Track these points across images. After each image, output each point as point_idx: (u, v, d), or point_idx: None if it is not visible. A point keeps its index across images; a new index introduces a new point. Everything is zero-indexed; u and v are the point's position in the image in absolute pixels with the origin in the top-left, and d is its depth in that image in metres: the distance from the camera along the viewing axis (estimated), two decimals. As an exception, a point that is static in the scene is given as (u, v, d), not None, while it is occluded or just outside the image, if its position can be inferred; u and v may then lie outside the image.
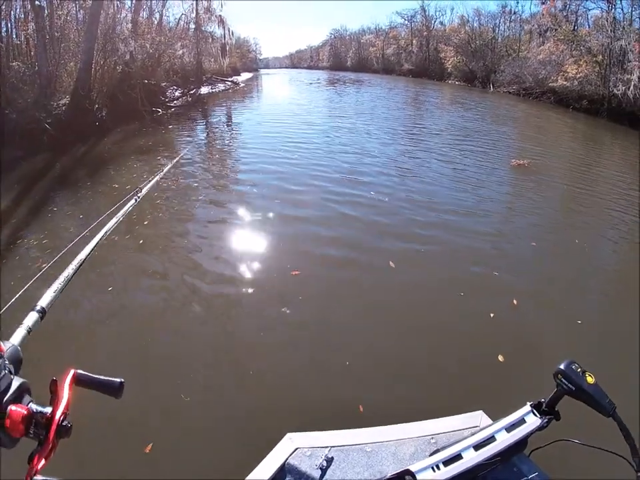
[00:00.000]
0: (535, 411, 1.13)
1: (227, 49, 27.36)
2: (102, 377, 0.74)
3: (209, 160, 9.15)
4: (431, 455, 1.15)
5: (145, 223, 5.33)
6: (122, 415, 2.54)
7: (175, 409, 2.75)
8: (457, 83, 37.47)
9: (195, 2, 22.94)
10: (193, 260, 4.69)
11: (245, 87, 30.81)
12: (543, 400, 1.14)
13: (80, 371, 0.73)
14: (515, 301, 4.07)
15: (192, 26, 23.82)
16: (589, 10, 26.22)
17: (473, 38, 37.59)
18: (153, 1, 20.22)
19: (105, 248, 4.11)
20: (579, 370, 1.07)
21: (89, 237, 1.42)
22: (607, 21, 22.49)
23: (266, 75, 51.12)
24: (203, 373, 3.08)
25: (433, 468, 1.06)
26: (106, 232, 1.52)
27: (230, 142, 11.76)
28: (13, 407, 0.63)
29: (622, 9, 22.18)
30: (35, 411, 0.65)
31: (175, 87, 20.06)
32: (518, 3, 37.64)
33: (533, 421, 1.11)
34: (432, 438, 1.40)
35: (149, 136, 11.72)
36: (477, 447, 1.09)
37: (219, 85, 27.02)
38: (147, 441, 2.50)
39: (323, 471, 1.29)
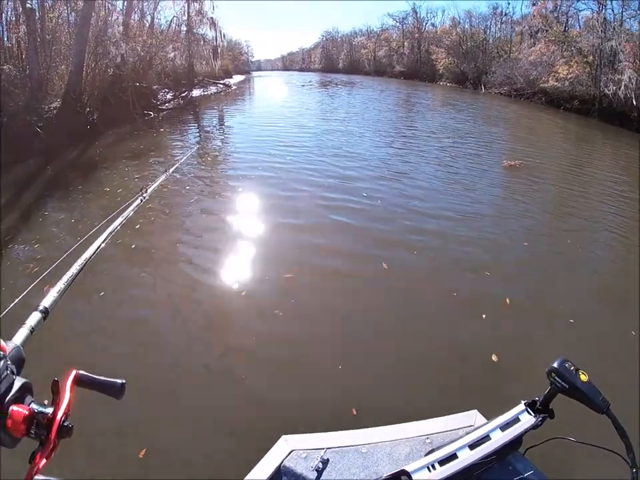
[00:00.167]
0: (529, 409, 1.14)
1: (219, 51, 27.35)
2: (103, 378, 0.74)
3: (199, 165, 9.03)
4: (427, 454, 1.16)
5: (137, 226, 5.29)
6: (115, 419, 2.52)
7: (168, 413, 2.74)
8: (448, 84, 37.65)
9: (186, 4, 22.93)
10: (184, 265, 4.66)
11: (237, 90, 30.75)
12: (537, 398, 1.15)
13: (81, 372, 0.73)
14: (507, 301, 4.09)
15: (183, 28, 23.81)
16: (580, 11, 26.47)
17: (464, 39, 37.81)
18: (145, 3, 20.19)
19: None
20: (572, 368, 1.08)
21: (84, 238, 1.41)
22: (598, 22, 22.68)
23: (258, 77, 51.02)
24: (196, 377, 3.07)
25: (428, 468, 1.07)
26: (111, 232, 1.52)
27: (221, 146, 11.67)
28: (14, 407, 0.63)
29: (612, 10, 22.41)
30: (36, 411, 0.64)
31: (167, 90, 19.99)
32: (509, 4, 37.95)
33: (528, 420, 1.12)
34: (427, 438, 1.40)
35: (141, 139, 11.65)
36: (472, 446, 1.10)
37: (211, 87, 26.95)
38: (140, 445, 2.48)
39: (319, 472, 1.29)
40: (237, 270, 4.55)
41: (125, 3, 17.59)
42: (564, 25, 27.55)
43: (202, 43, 25.22)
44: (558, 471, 2.13)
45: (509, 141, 13.17)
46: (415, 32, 44.98)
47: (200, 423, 2.69)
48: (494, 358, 3.29)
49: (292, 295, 4.05)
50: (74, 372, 0.73)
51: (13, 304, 1.01)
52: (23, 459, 0.64)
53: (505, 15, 35.82)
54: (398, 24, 48.57)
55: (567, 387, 1.06)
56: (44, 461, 0.62)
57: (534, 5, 30.11)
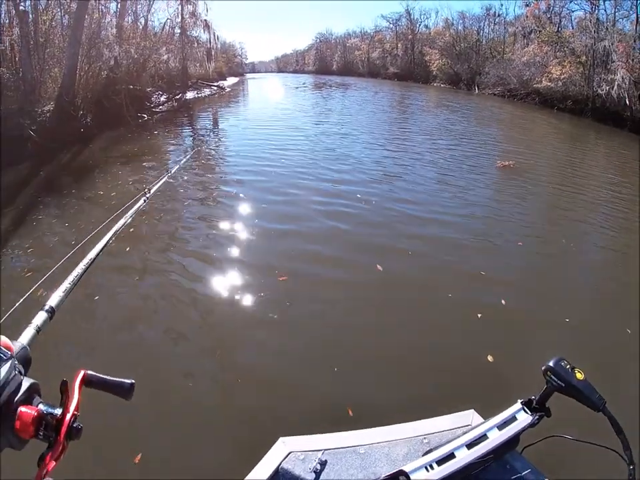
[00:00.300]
0: (525, 408, 1.15)
1: (213, 53, 27.31)
2: (112, 378, 0.73)
3: (191, 168, 8.78)
4: (424, 454, 1.16)
5: (131, 229, 5.26)
6: (109, 423, 2.51)
7: (163, 417, 2.72)
8: (442, 85, 37.85)
9: (180, 6, 22.89)
10: (176, 269, 4.63)
11: (231, 92, 30.73)
12: (533, 397, 1.15)
13: (90, 372, 0.72)
14: (503, 301, 4.10)
15: (177, 31, 23.74)
16: (573, 11, 26.77)
17: (457, 41, 38.04)
18: (138, 6, 20.13)
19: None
20: (567, 366, 1.08)
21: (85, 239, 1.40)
22: (591, 22, 22.91)
23: (252, 79, 51.02)
24: (192, 380, 3.06)
25: (426, 468, 1.07)
26: (116, 231, 1.51)
27: (215, 149, 11.54)
28: (22, 408, 0.61)
29: (605, 10, 22.69)
30: (45, 412, 0.63)
31: (161, 92, 19.93)
32: (502, 5, 38.31)
33: (524, 418, 1.12)
34: (424, 438, 1.40)
35: (134, 142, 11.61)
36: (470, 445, 1.10)
37: (205, 89, 26.90)
38: (135, 450, 2.46)
39: (317, 474, 1.28)
40: (228, 275, 4.51)
41: (119, 6, 17.54)
42: (557, 25, 27.79)
43: (196, 45, 25.15)
44: (555, 469, 2.14)
45: (502, 141, 13.22)
46: (409, 33, 45.22)
47: (196, 426, 2.68)
48: (489, 358, 3.30)
49: (287, 298, 4.04)
50: (82, 372, 0.72)
51: (12, 309, 1.00)
52: (31, 461, 0.62)
53: (498, 16, 36.16)
54: (391, 25, 48.87)
55: (563, 385, 1.07)
56: (53, 463, 0.61)
57: (527, 5, 30.42)
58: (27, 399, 0.63)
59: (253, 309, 3.95)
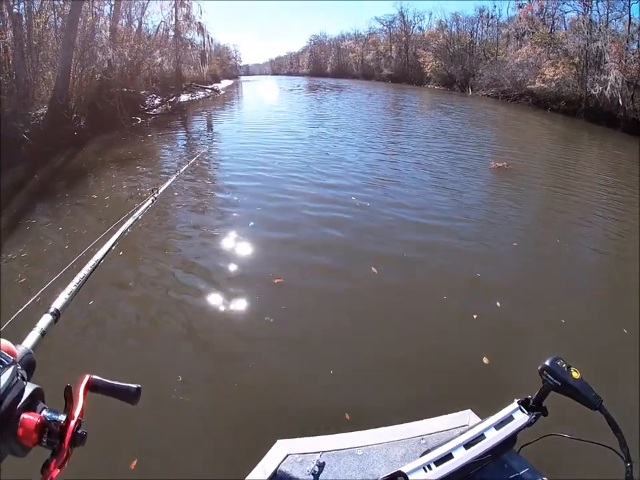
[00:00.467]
0: (522, 407, 1.15)
1: (207, 56, 27.29)
2: (118, 383, 0.72)
3: (185, 173, 8.66)
4: (422, 455, 1.16)
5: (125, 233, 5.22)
6: (103, 427, 2.49)
7: (160, 421, 2.71)
8: (435, 87, 37.99)
9: (174, 9, 22.87)
10: (171, 276, 4.61)
11: (225, 95, 30.71)
12: (530, 396, 1.16)
13: (95, 377, 0.71)
14: (498, 303, 4.11)
15: (171, 33, 23.73)
16: (566, 12, 26.90)
17: (451, 42, 38.20)
18: (132, 8, 20.10)
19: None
20: (564, 366, 1.09)
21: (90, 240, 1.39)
22: (584, 23, 23.07)
23: (246, 81, 51.04)
24: (189, 384, 3.05)
25: (424, 468, 1.07)
26: (123, 232, 1.50)
27: (208, 153, 11.37)
28: (25, 415, 0.60)
29: (598, 11, 22.84)
30: (48, 419, 0.61)
31: (154, 95, 19.88)
32: (495, 7, 38.57)
33: (521, 418, 1.13)
34: (422, 439, 1.41)
35: (128, 145, 11.55)
36: (467, 445, 1.10)
37: (199, 92, 26.89)
38: (131, 456, 2.44)
39: (315, 476, 1.28)
40: (223, 280, 4.48)
41: (113, 8, 17.51)
42: (550, 26, 27.95)
43: (190, 47, 25.14)
44: (552, 468, 2.13)
45: (496, 142, 13.26)
46: (403, 35, 45.37)
47: (193, 430, 2.67)
48: (485, 360, 3.31)
49: (282, 302, 4.03)
50: (87, 377, 0.70)
51: (16, 314, 0.99)
52: (34, 467, 0.61)
53: (492, 17, 36.35)
54: (385, 28, 49.03)
55: (560, 384, 1.07)
56: (57, 470, 0.59)
57: (520, 7, 30.58)
58: (30, 405, 0.62)
59: (249, 312, 3.93)
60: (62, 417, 0.62)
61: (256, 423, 2.69)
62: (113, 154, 10.32)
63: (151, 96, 19.48)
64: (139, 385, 0.71)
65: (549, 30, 27.69)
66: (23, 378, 0.63)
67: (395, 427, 1.47)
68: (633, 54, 20.16)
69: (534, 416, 1.12)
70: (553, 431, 1.18)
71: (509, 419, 1.14)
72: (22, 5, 11.84)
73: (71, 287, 1.07)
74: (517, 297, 4.31)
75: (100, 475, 2.33)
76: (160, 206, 6.39)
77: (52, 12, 13.57)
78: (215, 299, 4.13)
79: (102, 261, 1.27)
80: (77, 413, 0.63)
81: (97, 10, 15.49)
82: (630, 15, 21.35)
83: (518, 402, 1.17)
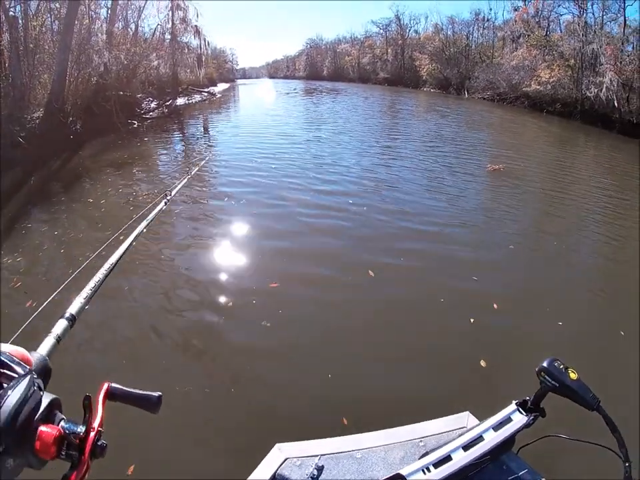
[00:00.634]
0: (520, 409, 1.15)
1: (203, 59, 27.30)
2: (138, 391, 0.69)
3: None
4: (421, 457, 1.16)
5: (121, 237, 5.18)
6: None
7: (158, 426, 2.69)
8: (432, 90, 38.08)
9: (170, 12, 22.89)
10: (167, 286, 4.58)
11: (222, 98, 30.69)
12: (527, 398, 1.16)
13: (114, 385, 0.68)
14: (495, 306, 4.11)
15: (168, 36, 23.74)
16: (561, 15, 27.06)
17: (447, 45, 38.32)
18: (129, 12, 20.12)
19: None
20: (561, 367, 1.09)
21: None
22: (579, 26, 23.23)
23: (243, 85, 50.97)
24: (185, 389, 3.03)
25: (423, 470, 1.07)
26: (137, 235, 1.49)
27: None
28: (43, 428, 0.56)
29: (593, 14, 23.04)
30: (67, 431, 0.58)
31: (151, 99, 19.87)
32: (491, 10, 38.67)
33: (519, 419, 1.13)
34: (421, 441, 1.40)
35: (124, 149, 11.52)
36: (466, 447, 1.10)
37: (195, 95, 26.87)
38: (129, 461, 2.42)
39: (314, 479, 1.28)
40: (219, 286, 4.47)
41: (109, 11, 17.53)
42: (545, 29, 28.13)
43: (186, 51, 25.17)
44: (551, 469, 2.15)
45: (493, 145, 13.31)
46: (399, 39, 45.49)
47: (191, 435, 2.66)
48: (482, 363, 3.31)
49: (279, 307, 4.00)
50: (106, 384, 0.67)
51: (28, 321, 0.98)
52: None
53: (487, 20, 36.45)
54: (381, 31, 49.15)
55: (557, 385, 1.07)
56: None
57: (515, 10, 30.71)
58: (48, 417, 0.58)
59: (245, 317, 3.92)
60: (81, 429, 0.59)
61: (253, 427, 2.68)
62: (109, 158, 10.29)
63: (147, 99, 19.47)
64: (160, 393, 0.69)
65: (545, 32, 27.85)
66: (39, 387, 0.59)
67: (394, 429, 1.47)
68: (628, 56, 20.33)
69: (532, 417, 1.12)
70: (551, 432, 1.18)
71: (507, 420, 1.14)
72: (18, 8, 11.86)
73: (87, 291, 1.05)
74: (513, 300, 4.31)
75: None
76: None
77: (48, 15, 13.59)
78: (211, 303, 4.12)
79: (117, 263, 1.26)
80: (96, 424, 0.61)
81: (93, 13, 15.53)
82: (625, 17, 21.54)
83: (516, 403, 1.17)
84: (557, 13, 27.33)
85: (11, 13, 11.39)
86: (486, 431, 1.13)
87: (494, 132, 16.50)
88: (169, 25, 23.26)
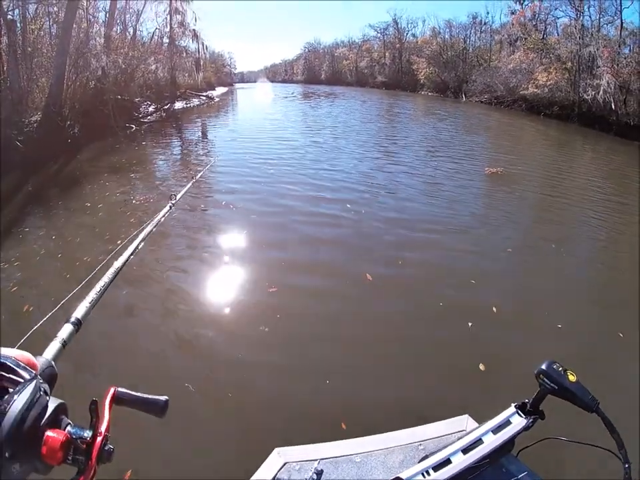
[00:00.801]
0: (519, 411, 1.15)
1: (201, 63, 27.33)
2: (145, 395, 0.68)
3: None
4: (420, 461, 1.15)
5: (118, 242, 5.17)
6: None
7: (156, 431, 2.68)
8: (429, 93, 38.23)
9: (169, 16, 22.94)
10: (167, 286, 4.59)
11: (220, 102, 30.69)
12: (526, 400, 1.15)
13: (120, 389, 0.67)
14: (494, 309, 4.11)
15: (166, 40, 23.80)
16: (558, 18, 27.23)
17: (444, 49, 38.50)
18: (127, 16, 20.16)
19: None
20: (560, 369, 1.09)
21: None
22: (576, 29, 23.35)
23: (241, 89, 51.02)
24: (184, 394, 3.02)
25: (422, 474, 1.06)
26: (142, 239, 1.49)
27: (202, 161, 11.20)
28: (49, 433, 0.56)
29: (590, 17, 23.16)
30: (74, 435, 0.58)
31: (149, 103, 19.86)
32: (488, 13, 38.94)
33: (519, 422, 1.12)
34: (420, 444, 1.40)
35: (122, 153, 11.51)
36: (465, 450, 1.10)
37: (194, 99, 26.88)
38: (125, 465, 2.40)
39: None
40: (218, 292, 4.46)
41: (107, 15, 17.55)
42: (542, 32, 28.24)
43: (184, 55, 25.20)
44: (551, 471, 2.14)
45: (490, 148, 13.35)
46: (396, 42, 45.68)
47: (190, 440, 2.64)
48: (481, 367, 3.30)
49: (277, 312, 3.99)
50: (112, 389, 0.67)
51: (36, 326, 0.98)
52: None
53: (484, 24, 36.68)
54: (379, 35, 49.35)
55: (556, 387, 1.07)
56: None
57: (512, 13, 30.87)
58: (54, 422, 0.58)
59: (244, 323, 3.91)
60: (88, 433, 0.59)
61: (253, 431, 2.67)
62: (106, 161, 10.27)
63: (145, 103, 19.46)
64: (167, 397, 0.68)
65: (542, 36, 27.97)
66: (45, 392, 0.59)
67: (393, 433, 1.47)
68: (625, 58, 20.43)
69: (531, 420, 1.12)
70: (550, 434, 1.18)
71: (507, 423, 1.13)
72: (16, 12, 11.84)
73: (92, 295, 1.05)
74: (512, 303, 4.31)
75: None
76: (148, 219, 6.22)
77: (46, 18, 13.59)
78: (209, 308, 4.13)
79: (122, 268, 1.26)
80: (103, 428, 0.61)
81: (91, 17, 15.51)
82: (622, 20, 21.70)
83: (515, 406, 1.16)
84: (553, 16, 27.57)
85: (9, 17, 11.37)
86: (485, 434, 1.12)
87: (492, 135, 16.56)
88: (167, 29, 23.35)
